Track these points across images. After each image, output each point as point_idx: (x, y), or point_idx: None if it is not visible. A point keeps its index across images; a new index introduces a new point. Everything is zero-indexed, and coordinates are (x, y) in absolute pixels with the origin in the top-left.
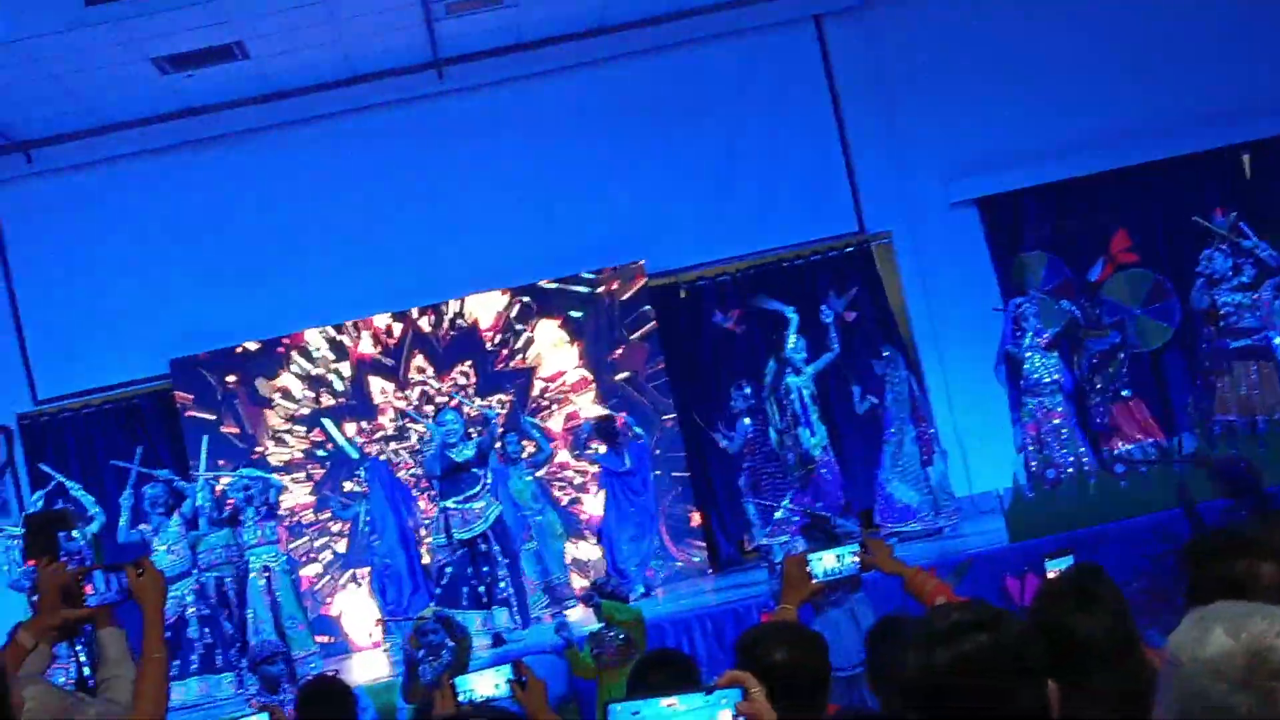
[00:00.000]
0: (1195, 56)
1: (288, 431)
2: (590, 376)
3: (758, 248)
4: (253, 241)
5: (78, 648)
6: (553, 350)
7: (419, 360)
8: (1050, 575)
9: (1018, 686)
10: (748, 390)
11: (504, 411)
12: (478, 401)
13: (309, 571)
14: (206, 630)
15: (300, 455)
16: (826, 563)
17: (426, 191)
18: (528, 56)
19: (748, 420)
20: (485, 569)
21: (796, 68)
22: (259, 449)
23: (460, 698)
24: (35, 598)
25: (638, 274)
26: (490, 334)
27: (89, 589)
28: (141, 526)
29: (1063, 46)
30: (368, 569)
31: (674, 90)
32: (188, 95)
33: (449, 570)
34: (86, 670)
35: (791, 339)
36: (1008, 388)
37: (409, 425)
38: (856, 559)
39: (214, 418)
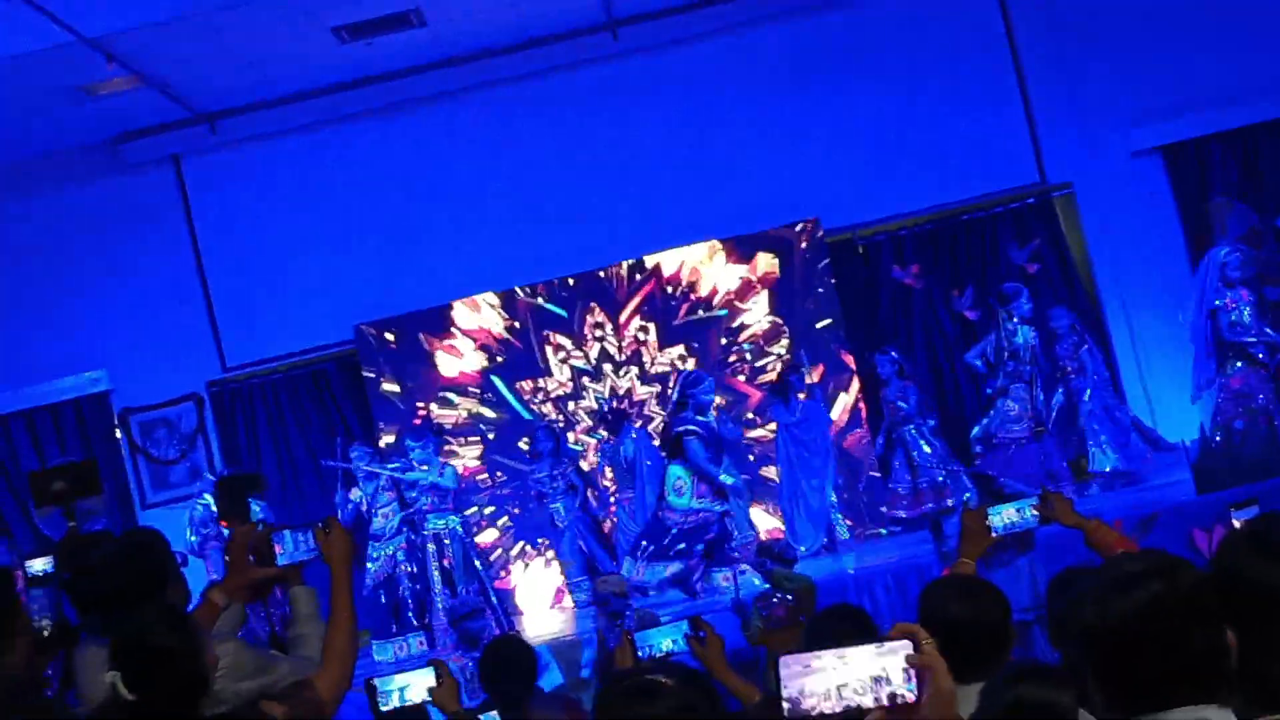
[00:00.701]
0: None
1: (457, 391)
2: (781, 322)
3: (936, 202)
4: (430, 207)
5: (269, 608)
6: (740, 301)
7: (597, 316)
8: (1237, 525)
9: (1194, 634)
10: (894, 354)
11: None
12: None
13: (483, 539)
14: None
15: (466, 417)
16: (1006, 516)
17: (600, 153)
18: (701, 15)
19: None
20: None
21: (974, 16)
22: (421, 410)
23: (639, 652)
24: (226, 558)
25: (814, 229)
26: (671, 286)
27: (278, 549)
28: (354, 494)
29: None
30: (545, 541)
31: (849, 43)
32: (365, 64)
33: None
34: (278, 629)
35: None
36: (1206, 342)
37: (587, 385)
38: (1036, 512)
39: (397, 388)
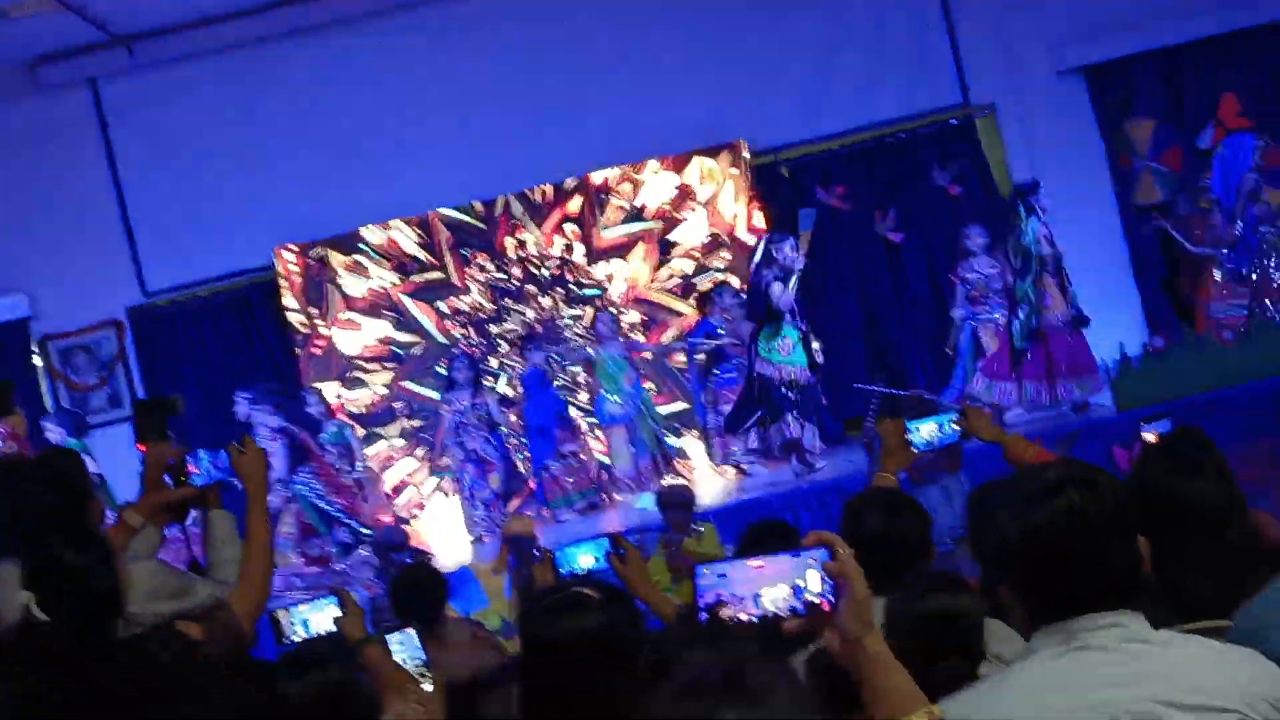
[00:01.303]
0: None
1: (366, 313)
2: (722, 235)
3: (860, 123)
4: (352, 130)
5: (187, 531)
6: (676, 212)
7: (520, 234)
8: (1147, 437)
9: (1113, 544)
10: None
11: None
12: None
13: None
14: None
15: (375, 342)
16: (926, 431)
17: (527, 74)
18: None
19: None
20: None
21: None
22: (323, 339)
23: (561, 570)
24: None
25: (740, 151)
26: (602, 195)
27: (193, 469)
28: None
29: None
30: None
31: None
32: None
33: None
34: (196, 553)
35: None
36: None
37: (510, 306)
38: (957, 426)
39: (305, 317)
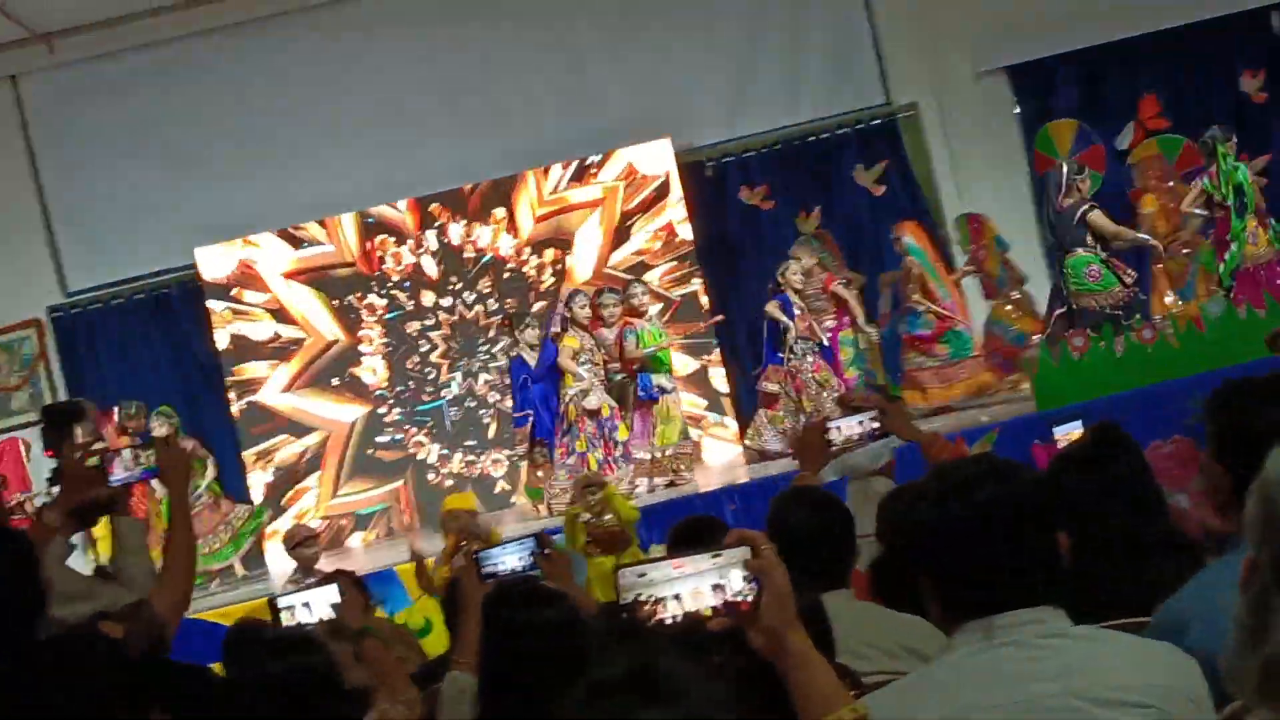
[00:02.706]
0: None
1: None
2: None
3: (783, 124)
4: (277, 128)
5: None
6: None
7: (447, 235)
8: (1059, 441)
9: (1032, 538)
10: None
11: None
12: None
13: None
14: None
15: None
16: (845, 429)
17: (446, 73)
18: None
19: None
20: None
21: None
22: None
23: (484, 570)
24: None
25: (666, 151)
26: (516, 209)
27: (113, 470)
28: None
29: None
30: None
31: None
32: None
33: None
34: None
35: None
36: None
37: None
38: (876, 424)
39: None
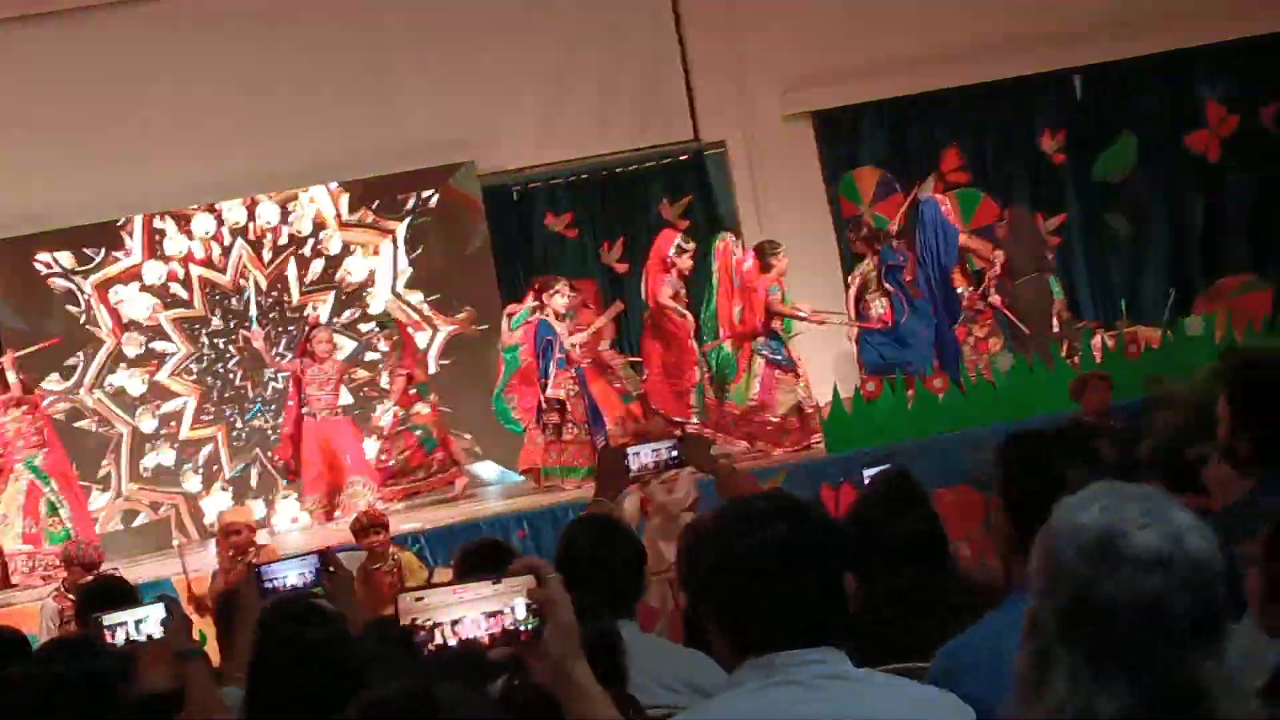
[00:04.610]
0: None
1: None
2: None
3: (591, 152)
4: (78, 123)
5: None
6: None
7: (242, 256)
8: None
9: (818, 578)
10: None
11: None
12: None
13: None
14: None
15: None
16: (643, 456)
17: (254, 78)
18: None
19: None
20: None
21: None
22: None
23: (265, 585)
24: None
25: (469, 173)
26: (314, 231)
27: None
28: None
29: None
30: None
31: None
32: None
33: None
34: None
35: None
36: None
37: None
38: (675, 453)
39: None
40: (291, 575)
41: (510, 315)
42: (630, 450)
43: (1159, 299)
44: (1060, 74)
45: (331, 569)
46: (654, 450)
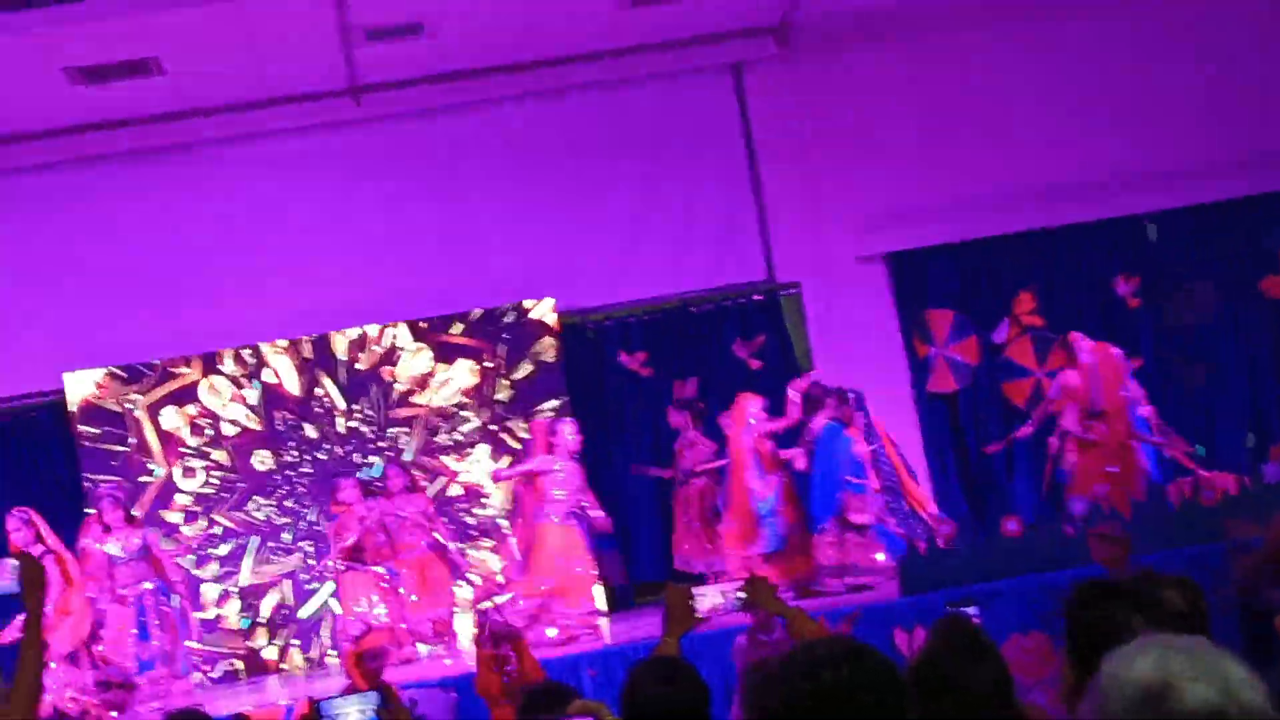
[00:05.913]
0: (1104, 123)
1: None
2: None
3: (666, 292)
4: (158, 260)
5: None
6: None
7: (323, 391)
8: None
9: None
10: None
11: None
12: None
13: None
14: None
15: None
16: (710, 598)
17: (336, 219)
18: (446, 88)
19: None
20: None
21: (714, 114)
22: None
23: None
24: None
25: (547, 311)
26: (393, 369)
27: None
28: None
29: (974, 106)
30: None
31: (590, 129)
32: (99, 108)
33: None
34: None
35: None
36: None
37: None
38: (743, 594)
39: (98, 432)
40: (352, 712)
41: None
42: (696, 591)
43: (1237, 445)
44: (1133, 219)
45: (390, 706)
46: (721, 592)
